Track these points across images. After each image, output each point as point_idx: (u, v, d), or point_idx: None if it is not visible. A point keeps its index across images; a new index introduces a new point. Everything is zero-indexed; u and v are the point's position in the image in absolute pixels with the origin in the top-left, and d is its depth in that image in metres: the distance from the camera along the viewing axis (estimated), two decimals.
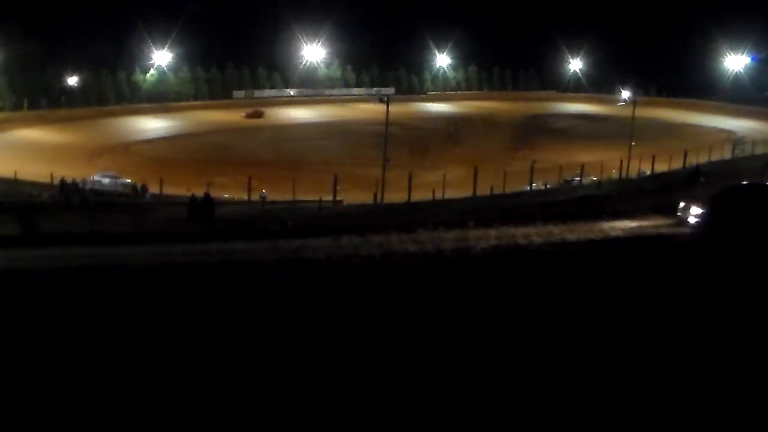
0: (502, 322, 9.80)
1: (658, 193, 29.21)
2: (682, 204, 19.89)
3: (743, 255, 14.12)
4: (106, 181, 42.74)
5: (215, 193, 32.49)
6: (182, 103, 79.44)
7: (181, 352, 8.92)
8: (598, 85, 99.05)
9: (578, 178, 41.43)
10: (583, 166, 40.55)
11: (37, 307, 10.98)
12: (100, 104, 72.55)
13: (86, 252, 16.90)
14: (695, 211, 18.40)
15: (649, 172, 42.66)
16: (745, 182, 22.68)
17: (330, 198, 35.89)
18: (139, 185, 38.60)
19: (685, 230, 18.26)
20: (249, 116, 76.70)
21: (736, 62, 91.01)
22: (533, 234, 18.04)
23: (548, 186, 39.28)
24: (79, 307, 11.17)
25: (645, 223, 19.94)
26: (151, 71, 78.51)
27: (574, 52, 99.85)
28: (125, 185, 41.44)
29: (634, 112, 53.64)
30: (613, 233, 18.62)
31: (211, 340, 9.49)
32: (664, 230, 18.72)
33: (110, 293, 12.47)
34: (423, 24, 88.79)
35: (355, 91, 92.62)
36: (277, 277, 15.15)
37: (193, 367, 8.33)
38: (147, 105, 76.11)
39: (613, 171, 43.57)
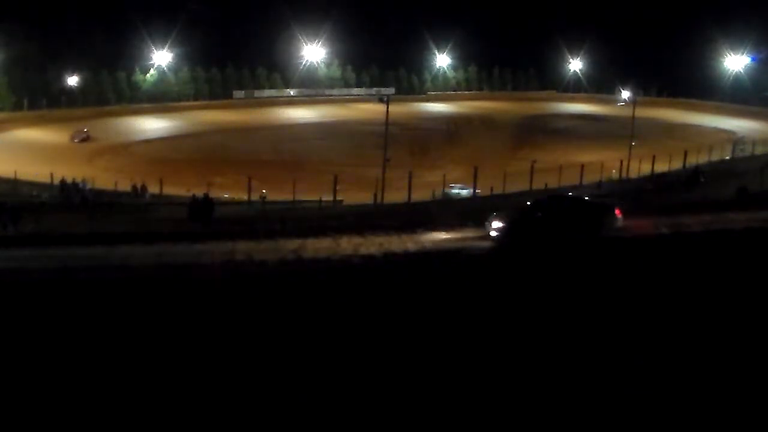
0: None
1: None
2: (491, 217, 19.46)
3: (529, 269, 13.71)
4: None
5: (215, 194, 32.54)
6: (182, 103, 79.47)
7: (176, 353, 8.92)
8: (598, 85, 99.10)
9: (462, 190, 40.63)
10: (583, 166, 40.52)
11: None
12: (100, 104, 72.57)
13: (58, 253, 17.03)
14: (496, 224, 18.15)
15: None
16: (557, 194, 22.11)
17: (330, 198, 35.89)
18: (139, 185, 38.61)
19: (487, 243, 17.93)
20: (79, 140, 59.65)
21: (736, 62, 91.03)
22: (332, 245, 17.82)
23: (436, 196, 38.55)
24: (47, 310, 11.15)
25: (457, 235, 19.46)
26: (151, 71, 78.56)
27: (574, 52, 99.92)
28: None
29: (634, 112, 53.66)
30: (413, 247, 18.00)
31: (208, 339, 9.49)
32: (468, 243, 18.19)
33: (80, 296, 12.43)
34: (423, 24, 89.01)
35: (355, 91, 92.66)
36: (276, 276, 15.16)
37: (190, 368, 8.33)
38: (147, 105, 76.16)
39: (613, 171, 43.57)
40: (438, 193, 38.33)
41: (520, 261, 15.19)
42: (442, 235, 19.55)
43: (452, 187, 40.68)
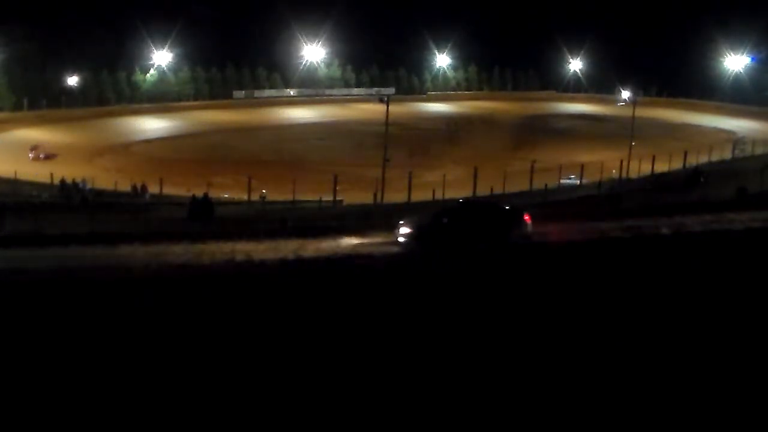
0: None
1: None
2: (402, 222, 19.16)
3: (429, 276, 13.55)
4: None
5: (215, 194, 32.57)
6: (182, 103, 79.45)
7: (174, 353, 8.93)
8: (598, 85, 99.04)
9: (574, 181, 41.19)
10: (582, 166, 40.55)
11: None
12: (100, 104, 72.56)
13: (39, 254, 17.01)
14: (404, 230, 17.93)
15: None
16: (470, 200, 21.82)
17: (330, 198, 35.91)
18: (138, 185, 38.62)
19: (394, 249, 17.71)
20: (36, 158, 50.15)
21: (736, 62, 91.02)
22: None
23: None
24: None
25: (369, 240, 19.00)
26: (151, 71, 78.56)
27: (574, 52, 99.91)
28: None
29: (634, 112, 53.68)
30: (314, 252, 17.54)
31: (205, 339, 9.49)
32: (376, 248, 17.87)
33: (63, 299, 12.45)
34: (423, 24, 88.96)
35: (355, 91, 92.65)
36: (277, 276, 15.16)
37: (188, 368, 8.33)
38: (147, 105, 76.14)
39: (614, 171, 43.58)
40: (552, 185, 38.13)
41: (411, 268, 15.02)
42: (353, 240, 19.01)
43: (569, 178, 41.40)
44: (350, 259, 16.58)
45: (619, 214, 22.59)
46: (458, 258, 15.77)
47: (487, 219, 18.16)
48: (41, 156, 43.69)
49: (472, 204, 19.43)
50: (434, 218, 18.31)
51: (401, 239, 17.97)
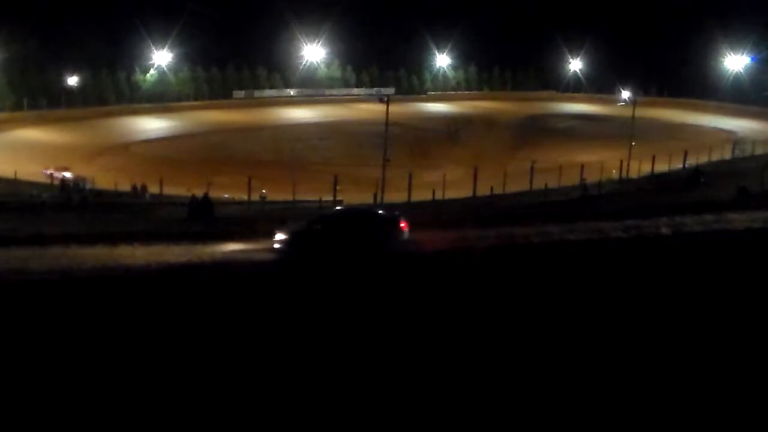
0: None
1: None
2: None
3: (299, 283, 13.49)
4: None
5: (215, 193, 32.51)
6: (182, 103, 79.40)
7: (171, 352, 8.92)
8: (598, 85, 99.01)
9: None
10: (583, 166, 40.52)
11: None
12: (100, 104, 72.51)
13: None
14: (279, 236, 17.75)
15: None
16: (348, 207, 21.55)
17: (330, 198, 35.90)
18: (138, 185, 38.60)
19: (269, 256, 17.55)
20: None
21: (736, 62, 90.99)
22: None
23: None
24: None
25: (248, 246, 18.70)
26: (151, 71, 78.52)
27: (574, 52, 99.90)
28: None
29: (634, 112, 53.64)
30: (189, 258, 17.27)
31: (203, 339, 9.49)
32: (249, 255, 17.69)
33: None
34: (423, 24, 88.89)
35: (355, 91, 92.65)
36: (277, 276, 15.17)
37: (182, 368, 8.33)
38: (147, 105, 76.08)
39: (613, 171, 43.57)
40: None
41: (261, 278, 14.83)
42: (234, 246, 18.79)
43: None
44: (201, 267, 16.32)
45: (586, 217, 22.22)
46: (318, 266, 15.65)
47: (361, 227, 17.94)
48: (54, 173, 42.56)
49: (348, 211, 19.12)
50: (308, 225, 18.13)
51: (276, 246, 17.74)
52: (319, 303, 11.54)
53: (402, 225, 18.08)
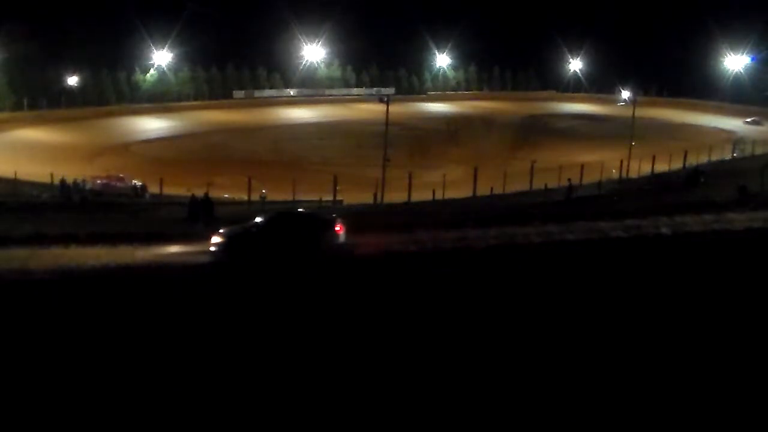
0: None
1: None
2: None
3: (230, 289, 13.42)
4: None
5: (215, 193, 32.48)
6: (182, 103, 79.43)
7: (168, 351, 8.92)
8: (598, 85, 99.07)
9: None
10: (583, 166, 40.50)
11: None
12: (100, 104, 72.53)
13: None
14: (215, 239, 17.73)
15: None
16: (285, 210, 21.47)
17: (330, 198, 35.89)
18: (138, 185, 38.60)
19: (205, 258, 17.53)
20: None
21: (736, 62, 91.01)
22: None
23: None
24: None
25: (185, 249, 18.63)
26: (151, 71, 78.55)
27: (574, 52, 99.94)
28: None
29: (634, 112, 53.61)
30: (122, 261, 17.21)
31: (201, 339, 9.49)
32: (187, 258, 17.64)
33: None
34: (423, 24, 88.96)
35: (355, 91, 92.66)
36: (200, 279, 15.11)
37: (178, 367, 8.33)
38: (147, 105, 76.11)
39: (613, 171, 43.57)
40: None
41: (190, 281, 14.79)
42: (174, 249, 18.71)
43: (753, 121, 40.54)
44: (132, 269, 16.28)
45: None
46: (249, 269, 15.68)
47: (295, 230, 17.95)
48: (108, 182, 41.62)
49: (284, 214, 19.11)
50: (244, 228, 18.09)
51: (212, 249, 17.72)
52: (234, 305, 11.58)
53: (337, 228, 18.05)
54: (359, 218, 23.05)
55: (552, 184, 37.57)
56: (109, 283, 14.56)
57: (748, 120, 77.55)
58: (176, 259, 17.80)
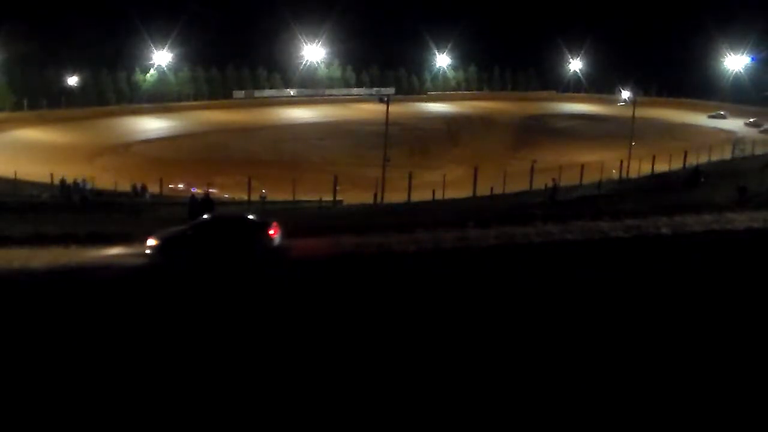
0: None
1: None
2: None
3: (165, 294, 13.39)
4: None
5: (215, 193, 32.47)
6: (182, 103, 79.45)
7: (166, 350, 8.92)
8: (598, 85, 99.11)
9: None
10: (583, 166, 40.48)
11: None
12: (100, 104, 72.55)
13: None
14: (150, 242, 17.68)
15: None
16: (219, 213, 21.51)
17: (330, 198, 35.88)
18: (139, 185, 38.56)
19: (140, 261, 17.45)
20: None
21: (736, 62, 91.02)
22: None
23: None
24: None
25: (124, 251, 18.51)
26: (151, 71, 78.56)
27: (574, 52, 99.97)
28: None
29: (634, 112, 53.62)
30: (61, 263, 17.09)
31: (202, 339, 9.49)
32: (125, 260, 17.56)
33: None
34: (423, 24, 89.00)
35: (355, 91, 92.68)
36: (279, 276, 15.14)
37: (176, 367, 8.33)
38: (147, 105, 76.11)
39: (614, 171, 43.54)
40: None
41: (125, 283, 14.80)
42: (113, 251, 18.62)
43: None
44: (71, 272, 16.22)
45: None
46: (183, 272, 15.75)
47: (231, 232, 18.01)
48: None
49: (219, 218, 19.12)
50: (179, 231, 18.08)
51: (147, 251, 17.74)
52: (158, 307, 11.63)
53: (271, 232, 18.04)
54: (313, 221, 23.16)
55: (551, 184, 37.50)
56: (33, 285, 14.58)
57: (749, 121, 77.79)
58: (113, 260, 17.71)
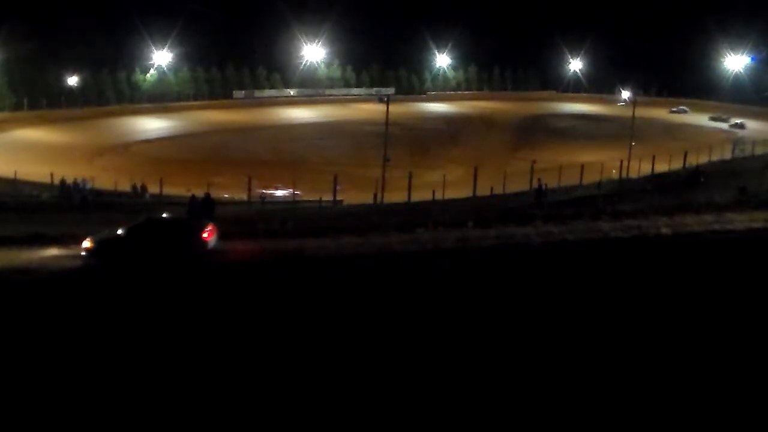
0: None
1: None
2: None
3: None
4: None
5: (215, 193, 32.40)
6: (182, 103, 79.41)
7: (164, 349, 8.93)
8: (598, 85, 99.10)
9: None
10: (583, 166, 40.43)
11: None
12: (100, 104, 72.56)
13: None
14: (86, 244, 17.74)
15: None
16: (154, 216, 21.59)
17: (330, 198, 35.85)
18: (139, 185, 38.54)
19: (76, 263, 17.52)
20: None
21: (736, 62, 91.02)
22: None
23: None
24: None
25: (68, 252, 18.48)
26: (151, 71, 78.54)
27: (574, 52, 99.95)
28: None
29: (634, 112, 53.59)
30: (16, 263, 17.16)
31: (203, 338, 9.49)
32: (59, 262, 17.60)
33: None
34: (423, 24, 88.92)
35: (355, 91, 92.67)
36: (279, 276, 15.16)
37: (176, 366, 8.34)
38: (147, 105, 76.11)
39: (613, 171, 43.51)
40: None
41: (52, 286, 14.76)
42: (53, 252, 18.62)
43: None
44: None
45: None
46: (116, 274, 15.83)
47: (164, 235, 18.07)
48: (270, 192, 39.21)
49: (153, 220, 19.16)
50: (115, 234, 18.14)
51: (82, 253, 17.77)
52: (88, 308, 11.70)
53: (205, 234, 18.05)
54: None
55: (552, 184, 37.45)
56: None
57: (735, 122, 77.95)
58: (49, 262, 17.75)
